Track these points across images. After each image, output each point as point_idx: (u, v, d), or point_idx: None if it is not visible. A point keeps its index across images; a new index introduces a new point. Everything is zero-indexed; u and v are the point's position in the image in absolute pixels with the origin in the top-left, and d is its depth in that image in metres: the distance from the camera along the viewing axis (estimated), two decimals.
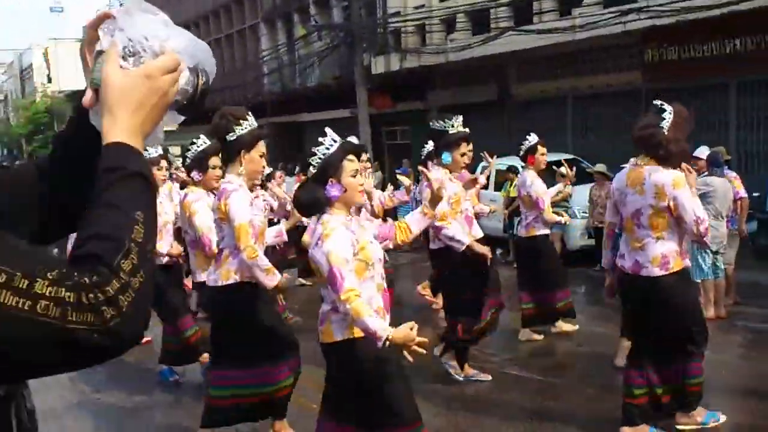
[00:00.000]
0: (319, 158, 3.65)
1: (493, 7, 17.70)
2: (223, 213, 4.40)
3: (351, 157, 3.68)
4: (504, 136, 17.23)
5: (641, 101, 16.03)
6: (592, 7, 15.37)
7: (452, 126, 5.73)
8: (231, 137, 4.46)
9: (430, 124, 5.94)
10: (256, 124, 4.57)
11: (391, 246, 4.08)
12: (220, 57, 33.67)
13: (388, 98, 22.85)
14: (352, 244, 3.52)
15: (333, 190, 3.62)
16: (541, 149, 7.50)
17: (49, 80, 59.73)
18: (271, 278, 4.33)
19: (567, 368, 6.83)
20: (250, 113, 4.57)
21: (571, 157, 13.17)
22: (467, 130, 5.82)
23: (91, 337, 1.05)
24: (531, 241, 7.44)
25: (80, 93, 1.36)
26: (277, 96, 28.15)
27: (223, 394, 4.61)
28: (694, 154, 9.44)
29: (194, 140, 5.48)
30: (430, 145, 8.86)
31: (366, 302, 3.35)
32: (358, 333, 3.45)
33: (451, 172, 5.77)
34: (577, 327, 7.88)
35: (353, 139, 5.43)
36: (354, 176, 3.66)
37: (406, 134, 24.01)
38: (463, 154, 5.77)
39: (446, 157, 5.69)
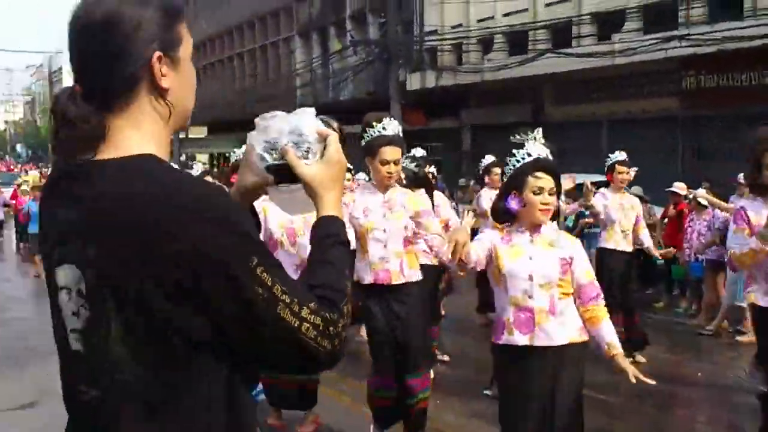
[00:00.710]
0: (510, 169, 3.79)
1: (531, 29, 17.88)
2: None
3: (539, 174, 3.69)
4: None
5: (677, 128, 16.19)
6: (631, 33, 15.54)
7: (526, 141, 5.56)
8: (362, 143, 4.64)
9: (511, 137, 5.72)
10: (382, 131, 4.58)
11: None
12: (253, 68, 34.10)
13: (421, 115, 23.07)
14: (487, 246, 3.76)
15: (512, 203, 3.71)
16: (619, 168, 7.68)
17: None
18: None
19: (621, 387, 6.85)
20: (386, 119, 4.63)
21: (603, 179, 13.26)
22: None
23: (321, 356, 1.42)
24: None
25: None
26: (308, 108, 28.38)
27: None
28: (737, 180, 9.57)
29: None
30: (487, 159, 9.03)
31: None
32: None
33: None
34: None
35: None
36: (537, 193, 3.67)
37: (437, 151, 24.17)
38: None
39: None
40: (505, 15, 19.02)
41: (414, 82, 21.63)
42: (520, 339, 3.69)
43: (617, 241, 7.38)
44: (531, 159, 3.74)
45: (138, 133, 1.51)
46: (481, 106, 21.37)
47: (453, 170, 21.01)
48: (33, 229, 14.58)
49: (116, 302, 1.41)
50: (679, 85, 15.72)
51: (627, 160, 7.77)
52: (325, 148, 1.65)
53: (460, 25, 20.47)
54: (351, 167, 8.91)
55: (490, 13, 19.36)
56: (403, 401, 4.80)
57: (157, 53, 1.49)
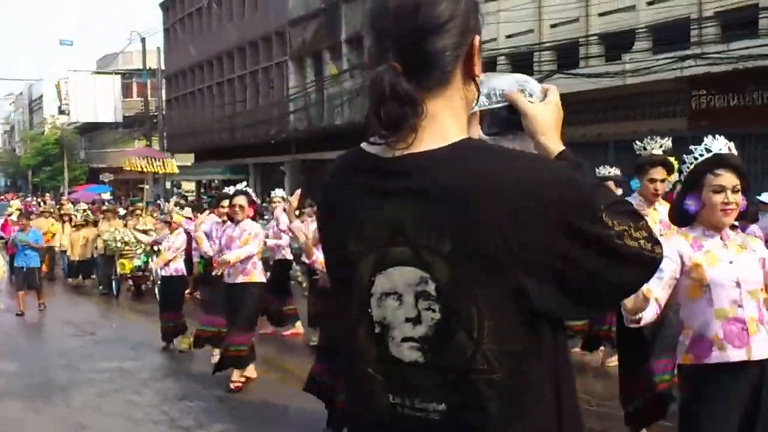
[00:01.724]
0: (686, 167, 3.50)
1: (537, 51, 17.80)
2: None
3: (719, 171, 3.43)
4: None
5: (686, 147, 16.09)
6: (641, 53, 15.47)
7: (644, 149, 5.35)
8: None
9: (634, 145, 5.49)
10: None
11: None
12: (243, 94, 33.85)
13: None
14: (675, 261, 3.39)
15: (690, 204, 3.44)
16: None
17: (61, 112, 59.83)
18: None
19: None
20: None
21: None
22: (660, 153, 5.32)
23: (657, 259, 1.44)
24: None
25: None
26: (303, 133, 28.19)
27: None
28: (761, 199, 9.40)
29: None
30: None
31: None
32: None
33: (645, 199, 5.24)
34: None
35: None
36: (717, 192, 3.40)
37: None
38: (652, 180, 5.19)
39: (634, 182, 5.28)
40: (509, 37, 18.93)
41: None
42: (735, 354, 3.31)
43: None
44: (710, 155, 3.49)
45: (454, 119, 1.44)
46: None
47: None
48: (18, 262, 13.84)
49: (488, 295, 1.30)
50: (688, 105, 15.63)
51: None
52: (545, 97, 1.65)
53: None
54: None
55: (492, 35, 19.25)
56: None
57: (478, 37, 1.50)
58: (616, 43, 16.11)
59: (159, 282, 11.19)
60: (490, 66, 19.74)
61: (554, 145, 1.60)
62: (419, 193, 1.34)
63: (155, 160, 17.80)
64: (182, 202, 28.80)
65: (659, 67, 14.42)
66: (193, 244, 9.52)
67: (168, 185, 43.74)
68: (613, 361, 7.20)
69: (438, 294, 1.32)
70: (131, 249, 14.79)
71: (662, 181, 5.17)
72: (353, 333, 1.42)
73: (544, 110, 1.62)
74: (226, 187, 28.98)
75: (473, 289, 1.30)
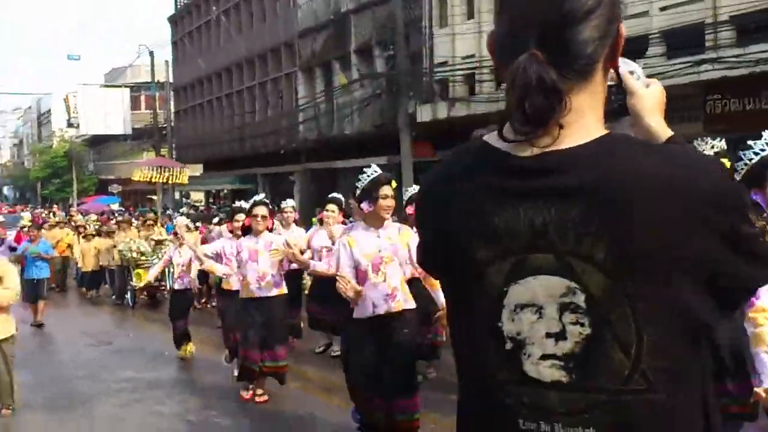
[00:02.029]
0: (744, 165, 3.41)
1: None
2: None
3: None
4: None
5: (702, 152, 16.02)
6: (655, 59, 15.41)
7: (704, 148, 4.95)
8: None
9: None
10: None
11: None
12: (253, 105, 33.90)
13: (429, 146, 22.83)
14: None
15: (757, 200, 3.39)
16: None
17: (70, 125, 60.11)
18: None
19: None
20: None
21: None
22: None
23: None
24: None
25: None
26: (313, 143, 28.18)
27: None
28: None
29: (365, 169, 5.27)
30: None
31: None
32: None
33: None
34: None
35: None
36: None
37: None
38: None
39: None
40: None
41: (425, 113, 21.41)
42: None
43: None
44: None
45: (595, 112, 1.32)
46: None
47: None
48: (29, 274, 13.77)
49: (648, 306, 1.16)
50: (703, 110, 15.55)
51: None
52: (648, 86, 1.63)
53: (472, 56, 20.32)
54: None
55: None
56: None
57: (622, 25, 1.41)
58: (630, 49, 16.02)
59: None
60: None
61: (663, 128, 1.57)
62: (565, 194, 1.21)
63: (167, 169, 17.60)
64: (192, 212, 28.93)
65: (675, 72, 14.34)
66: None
67: (177, 195, 43.82)
68: None
69: (588, 306, 1.18)
70: (147, 259, 14.69)
71: None
72: (476, 349, 1.27)
73: (652, 91, 1.61)
74: (235, 198, 28.71)
75: (632, 300, 1.16)
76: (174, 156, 39.21)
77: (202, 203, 43.93)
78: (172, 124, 41.32)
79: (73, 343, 11.38)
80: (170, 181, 17.57)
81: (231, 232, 8.24)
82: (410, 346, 5.04)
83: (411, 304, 5.10)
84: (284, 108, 31.29)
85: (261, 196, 7.71)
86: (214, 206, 37.59)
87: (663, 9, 15.50)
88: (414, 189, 8.84)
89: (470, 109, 20.07)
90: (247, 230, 7.07)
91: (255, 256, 6.84)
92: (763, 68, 13.01)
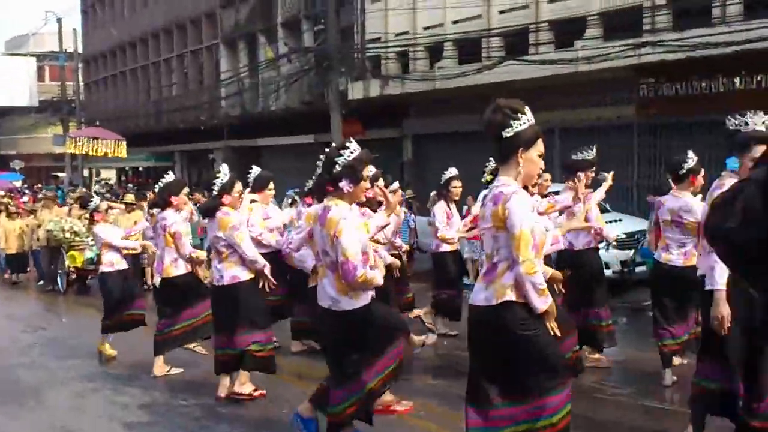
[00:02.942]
0: None
1: (485, 37, 17.70)
2: (501, 219, 3.87)
3: None
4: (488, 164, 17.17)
5: (633, 136, 16.28)
6: (593, 41, 15.56)
7: (745, 124, 4.63)
8: (507, 134, 3.93)
9: (726, 121, 4.76)
10: (533, 120, 4.03)
11: None
12: (170, 78, 32.81)
13: (358, 125, 22.54)
14: None
15: None
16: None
17: None
18: (543, 300, 3.84)
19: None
20: (527, 107, 4.05)
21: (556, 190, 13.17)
22: (764, 129, 4.61)
23: None
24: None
25: None
26: (236, 119, 27.48)
27: None
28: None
29: (347, 145, 4.86)
30: (450, 172, 8.57)
31: None
32: None
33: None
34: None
35: None
36: None
37: (375, 162, 23.69)
38: (755, 160, 4.49)
39: (731, 161, 4.73)
40: (455, 22, 18.78)
41: (356, 91, 21.10)
42: None
43: None
44: None
45: None
46: (424, 116, 21.02)
47: (394, 181, 20.58)
48: None
49: None
50: (636, 93, 15.80)
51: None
52: None
53: (406, 33, 20.10)
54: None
55: (439, 20, 19.09)
56: None
57: None
58: (569, 29, 16.15)
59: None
60: (434, 52, 19.64)
61: None
62: None
63: (103, 141, 16.42)
64: (103, 191, 27.61)
65: (615, 54, 14.50)
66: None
67: (86, 173, 42.13)
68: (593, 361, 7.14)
69: None
70: (83, 240, 13.68)
71: None
72: None
73: None
74: (151, 176, 27.73)
75: None
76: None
77: (113, 181, 42.36)
78: (82, 96, 39.64)
79: (4, 329, 10.65)
80: (108, 154, 16.40)
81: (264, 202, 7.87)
82: None
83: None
84: (205, 82, 30.39)
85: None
86: (129, 185, 36.25)
87: None
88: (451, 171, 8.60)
89: (404, 87, 19.87)
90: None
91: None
92: (702, 53, 13.25)
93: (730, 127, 4.66)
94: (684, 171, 6.40)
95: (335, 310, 4.68)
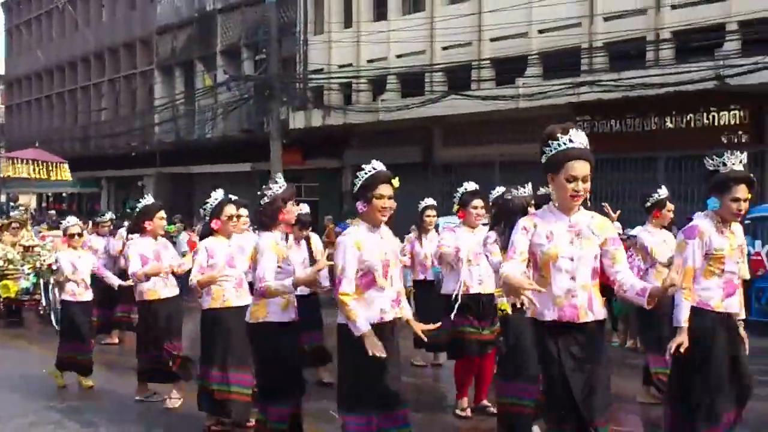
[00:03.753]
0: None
1: (428, 72, 18.31)
2: None
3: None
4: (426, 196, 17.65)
5: None
6: (534, 78, 16.33)
7: (723, 164, 4.77)
8: (542, 160, 4.07)
9: (705, 162, 4.86)
10: (572, 143, 4.01)
11: None
12: (99, 103, 32.39)
13: (298, 154, 22.79)
14: None
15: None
16: (669, 205, 7.04)
17: None
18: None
19: None
20: (572, 129, 4.06)
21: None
22: (742, 169, 4.79)
23: None
24: None
25: None
26: (169, 146, 27.32)
27: None
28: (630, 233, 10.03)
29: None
30: (426, 201, 8.65)
31: None
32: None
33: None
34: None
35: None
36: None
37: (314, 191, 23.94)
38: (736, 200, 4.69)
39: (711, 202, 4.77)
40: (399, 56, 19.34)
41: (298, 120, 21.40)
42: None
43: None
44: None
45: None
46: (365, 147, 21.43)
47: (334, 211, 20.90)
48: None
49: None
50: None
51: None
52: None
53: (349, 65, 20.55)
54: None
55: (383, 54, 19.62)
56: None
57: None
58: (510, 68, 16.87)
59: (58, 308, 9.78)
60: (378, 85, 20.12)
61: None
62: None
63: (43, 163, 15.81)
64: (26, 217, 26.56)
65: (554, 93, 15.25)
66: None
67: (3, 198, 40.81)
68: None
69: None
70: (17, 268, 12.72)
71: (746, 200, 4.68)
72: None
73: None
74: (80, 202, 26.87)
75: None
76: (2, 154, 36.60)
77: (33, 207, 41.10)
78: (2, 120, 38.69)
79: None
80: (50, 178, 15.82)
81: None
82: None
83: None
84: (138, 108, 30.12)
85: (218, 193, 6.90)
86: (51, 211, 35.25)
87: (541, 32, 16.43)
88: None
89: (346, 118, 20.28)
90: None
91: (231, 262, 6.27)
92: (636, 93, 14.09)
93: (710, 168, 4.80)
94: (649, 204, 6.93)
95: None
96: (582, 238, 4.06)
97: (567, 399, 4.00)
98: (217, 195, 6.36)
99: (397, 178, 4.81)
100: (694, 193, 14.56)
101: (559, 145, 4.02)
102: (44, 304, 12.23)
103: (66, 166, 15.98)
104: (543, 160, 4.05)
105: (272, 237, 5.34)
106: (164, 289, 7.07)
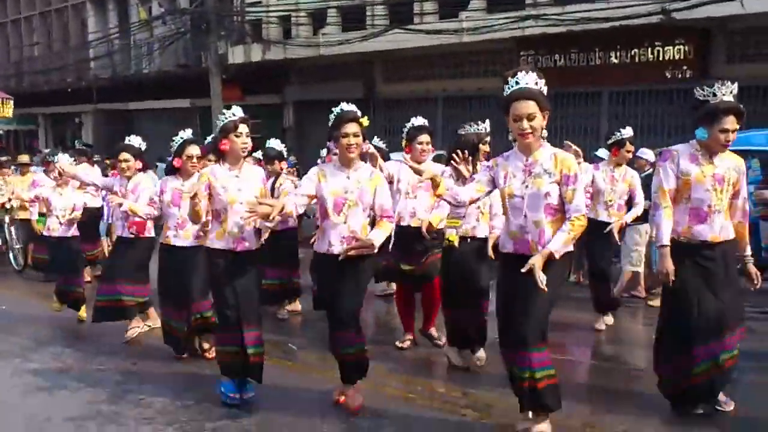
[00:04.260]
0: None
1: (369, 5, 17.80)
2: None
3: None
4: (370, 133, 17.35)
5: None
6: (478, 12, 15.98)
7: (713, 95, 4.64)
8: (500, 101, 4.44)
9: (695, 91, 4.75)
10: (517, 85, 4.26)
11: None
12: (31, 37, 31.10)
13: (238, 90, 22.16)
14: None
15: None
16: (628, 146, 7.26)
17: None
18: None
19: None
20: (521, 72, 4.26)
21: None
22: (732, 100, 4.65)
23: None
24: None
25: None
26: (105, 81, 26.38)
27: None
28: (637, 155, 10.04)
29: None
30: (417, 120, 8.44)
31: None
32: None
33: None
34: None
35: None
36: None
37: (257, 128, 23.41)
38: (724, 130, 4.63)
39: (700, 132, 4.71)
40: None
41: (237, 55, 20.74)
42: None
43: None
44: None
45: None
46: (305, 83, 20.94)
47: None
48: None
49: None
50: (516, 65, 16.34)
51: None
52: None
53: None
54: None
55: None
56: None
57: None
58: (451, 1, 16.50)
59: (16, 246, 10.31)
60: (318, 19, 19.54)
61: None
62: None
63: None
64: None
65: (498, 27, 14.95)
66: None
67: None
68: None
69: None
70: None
71: (734, 131, 4.65)
72: None
73: None
74: (16, 139, 26.02)
75: None
76: None
77: None
78: None
79: None
80: None
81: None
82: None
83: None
84: (72, 42, 28.94)
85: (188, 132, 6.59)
86: None
87: None
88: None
89: (286, 52, 19.70)
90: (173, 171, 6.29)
91: (177, 201, 6.15)
92: (581, 27, 13.87)
93: (699, 98, 4.71)
94: (610, 141, 7.19)
95: None
96: (533, 177, 4.30)
97: (503, 320, 4.45)
98: (184, 134, 6.27)
99: (366, 118, 4.98)
100: (638, 128, 14.59)
101: (508, 87, 4.26)
102: (0, 243, 11.89)
103: (11, 102, 15.11)
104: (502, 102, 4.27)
105: (206, 168, 5.37)
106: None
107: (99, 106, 27.16)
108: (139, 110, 26.47)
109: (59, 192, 8.09)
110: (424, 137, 6.44)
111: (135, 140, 7.07)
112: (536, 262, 4.09)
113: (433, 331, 6.74)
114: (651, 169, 8.45)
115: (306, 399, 5.42)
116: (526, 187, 4.33)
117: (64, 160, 8.07)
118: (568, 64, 15.42)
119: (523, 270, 4.10)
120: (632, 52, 14.39)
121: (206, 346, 6.40)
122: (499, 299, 4.52)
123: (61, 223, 7.98)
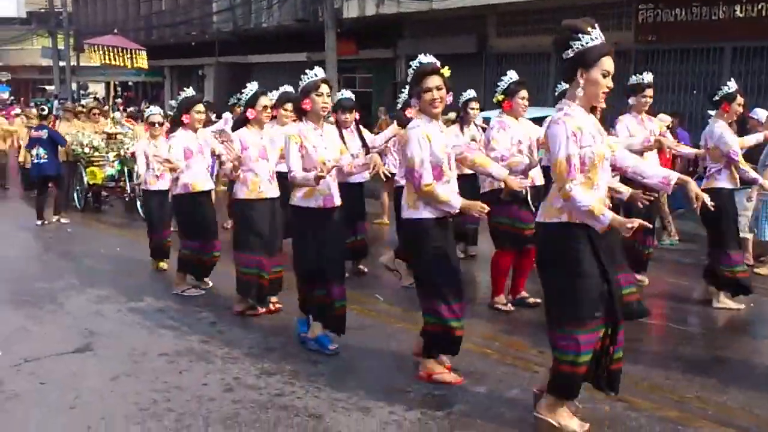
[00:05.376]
0: None
1: None
2: (546, 144, 4.01)
3: None
4: (480, 89, 17.16)
5: (631, 61, 16.29)
6: None
7: None
8: (567, 54, 3.83)
9: None
10: (600, 39, 3.84)
11: None
12: None
13: (352, 44, 22.37)
14: None
15: None
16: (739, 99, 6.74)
17: None
18: (598, 219, 3.78)
19: None
20: (595, 26, 3.88)
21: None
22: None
23: None
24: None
25: None
26: (227, 35, 27.16)
27: None
28: (750, 115, 9.61)
29: (306, 70, 5.51)
30: (468, 93, 8.28)
31: None
32: None
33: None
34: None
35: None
36: None
37: (367, 82, 23.63)
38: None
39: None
40: None
41: (351, 9, 20.90)
42: None
43: None
44: None
45: None
46: (418, 37, 20.89)
47: (387, 102, 20.64)
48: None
49: None
50: (635, 19, 15.79)
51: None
52: None
53: None
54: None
55: None
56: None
57: None
58: None
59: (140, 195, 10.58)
60: None
61: None
62: None
63: (124, 50, 15.53)
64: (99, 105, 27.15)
65: None
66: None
67: (74, 86, 41.58)
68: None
69: None
70: (103, 156, 13.01)
71: None
72: None
73: None
74: (144, 90, 27.18)
75: None
76: (71, 44, 36.94)
77: (99, 95, 41.79)
78: (69, 9, 38.84)
79: (17, 240, 10.69)
80: (129, 65, 15.57)
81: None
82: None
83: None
84: None
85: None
86: (119, 99, 35.82)
87: None
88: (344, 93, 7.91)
89: (399, 6, 19.70)
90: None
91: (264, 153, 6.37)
92: None
93: None
94: (717, 98, 6.70)
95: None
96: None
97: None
98: (252, 86, 6.48)
99: (447, 68, 4.77)
100: (762, 86, 13.92)
101: (592, 39, 3.84)
102: (129, 191, 12.58)
103: (144, 53, 15.69)
104: (570, 55, 3.86)
105: (293, 128, 5.51)
106: (206, 182, 7.21)
107: (221, 59, 27.99)
108: (258, 63, 27.14)
109: (153, 144, 8.58)
110: (525, 92, 6.45)
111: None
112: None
113: (524, 293, 6.79)
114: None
115: (384, 350, 5.63)
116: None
117: (156, 111, 8.55)
118: (689, 19, 14.77)
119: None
120: (759, 6, 13.63)
121: (273, 299, 6.62)
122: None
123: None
